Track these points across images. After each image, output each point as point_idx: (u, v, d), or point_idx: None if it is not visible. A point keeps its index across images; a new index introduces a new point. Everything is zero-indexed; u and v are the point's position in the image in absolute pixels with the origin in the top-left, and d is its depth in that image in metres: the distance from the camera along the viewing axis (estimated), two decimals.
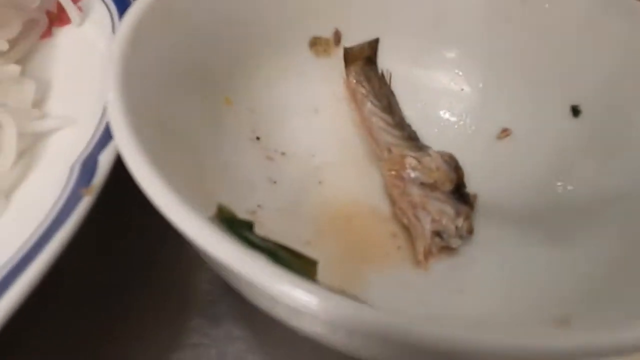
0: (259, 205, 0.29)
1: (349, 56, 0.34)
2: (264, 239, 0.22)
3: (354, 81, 0.34)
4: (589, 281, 0.23)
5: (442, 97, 0.34)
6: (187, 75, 0.28)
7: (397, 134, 0.32)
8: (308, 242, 0.28)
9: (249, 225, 0.22)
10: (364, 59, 0.34)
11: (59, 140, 0.27)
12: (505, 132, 0.32)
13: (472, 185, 0.30)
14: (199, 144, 0.27)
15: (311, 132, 0.33)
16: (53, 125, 0.27)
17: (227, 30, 0.30)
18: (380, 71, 0.34)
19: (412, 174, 0.30)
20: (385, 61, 0.35)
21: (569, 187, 0.28)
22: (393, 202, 0.30)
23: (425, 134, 0.33)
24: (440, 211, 0.28)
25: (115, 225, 0.30)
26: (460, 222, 0.28)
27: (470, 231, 0.28)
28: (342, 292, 0.21)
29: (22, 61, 0.31)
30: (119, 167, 0.23)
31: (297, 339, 0.27)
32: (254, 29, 0.32)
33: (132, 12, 0.25)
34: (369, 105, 0.33)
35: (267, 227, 0.26)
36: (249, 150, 0.31)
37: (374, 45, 0.35)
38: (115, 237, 0.31)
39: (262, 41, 0.32)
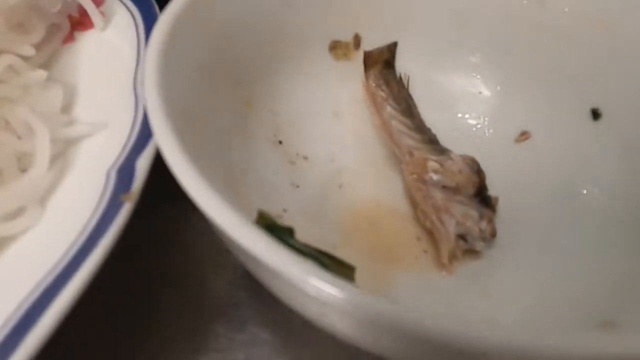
0: (284, 210, 0.29)
1: (369, 60, 0.34)
2: (305, 245, 0.22)
3: (374, 84, 0.34)
4: (630, 281, 0.23)
5: (460, 100, 0.35)
6: (215, 78, 0.28)
7: (418, 138, 0.32)
8: (334, 245, 0.29)
9: (290, 232, 0.22)
10: (382, 63, 0.34)
11: (89, 146, 0.27)
12: (524, 135, 0.33)
13: (492, 188, 0.31)
14: (230, 149, 0.27)
15: (331, 135, 0.33)
16: (85, 131, 0.27)
17: (251, 34, 0.31)
18: (398, 74, 0.35)
19: (435, 177, 0.30)
20: (403, 64, 0.35)
21: (595, 190, 0.28)
22: (415, 205, 0.31)
23: (443, 137, 0.33)
24: (464, 214, 0.29)
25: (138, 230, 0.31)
26: (484, 225, 0.29)
27: (494, 234, 0.29)
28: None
29: (45, 66, 0.31)
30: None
31: (323, 342, 0.27)
32: (276, 34, 0.32)
33: (164, 19, 0.25)
34: (388, 108, 0.33)
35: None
36: (272, 155, 0.31)
37: (392, 48, 0.35)
38: (137, 242, 0.31)
39: (283, 45, 0.33)
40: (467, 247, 0.29)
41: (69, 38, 0.32)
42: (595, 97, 0.31)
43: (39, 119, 0.26)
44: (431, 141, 0.32)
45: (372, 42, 0.34)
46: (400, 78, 0.35)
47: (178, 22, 0.25)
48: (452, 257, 0.28)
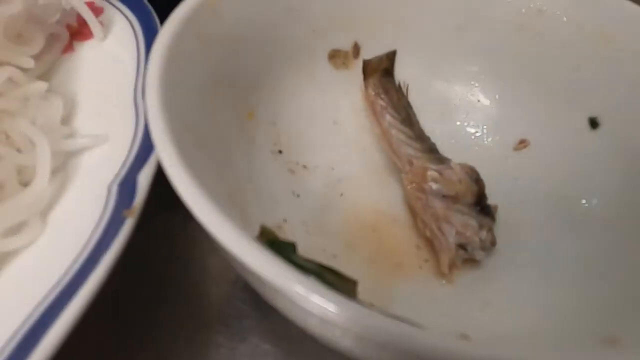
0: (284, 220, 0.29)
1: (368, 68, 0.34)
2: (307, 260, 0.22)
3: (373, 93, 0.34)
4: (627, 294, 0.23)
5: (459, 109, 0.35)
6: (217, 90, 0.28)
7: (417, 147, 0.32)
8: (335, 255, 0.29)
9: (292, 247, 0.22)
10: (382, 71, 0.34)
11: (89, 158, 0.27)
12: (522, 143, 0.33)
13: (491, 196, 0.31)
14: (231, 159, 0.27)
15: (331, 144, 0.34)
16: (85, 144, 0.27)
17: (252, 46, 0.31)
18: (397, 83, 0.35)
19: (434, 187, 0.30)
20: (402, 73, 0.35)
21: (594, 200, 0.29)
22: (414, 214, 0.31)
23: (443, 145, 0.33)
24: (464, 224, 0.29)
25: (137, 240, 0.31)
26: (483, 234, 0.29)
27: (494, 243, 0.29)
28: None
29: (45, 77, 0.31)
30: None
31: (324, 353, 0.27)
32: (276, 44, 0.32)
33: (166, 30, 0.25)
34: (388, 117, 0.33)
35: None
36: (272, 164, 0.31)
37: (391, 57, 0.35)
38: (138, 254, 0.31)
39: (284, 55, 0.33)
40: (467, 256, 0.29)
41: (68, 48, 0.32)
42: (594, 106, 0.31)
43: (39, 131, 0.26)
44: (430, 150, 0.32)
45: (371, 50, 0.35)
46: (400, 87, 0.35)
47: (180, 34, 0.25)
48: (452, 267, 0.29)
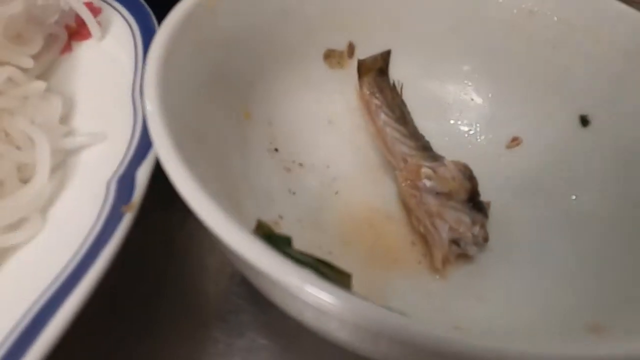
0: (280, 216, 0.30)
1: (362, 68, 0.35)
2: (303, 254, 0.23)
3: (368, 92, 0.34)
4: (617, 288, 0.24)
5: (453, 108, 0.35)
6: (214, 89, 0.28)
7: (412, 145, 0.33)
8: (330, 252, 0.29)
9: (287, 241, 0.23)
10: (376, 71, 0.35)
11: (88, 156, 0.27)
12: (515, 141, 0.33)
13: (484, 193, 0.31)
14: (228, 157, 0.28)
15: (326, 143, 0.34)
16: (84, 142, 0.27)
17: (248, 45, 0.31)
18: (392, 82, 0.35)
19: (428, 184, 0.30)
20: (396, 72, 0.35)
21: (585, 196, 0.29)
22: (408, 211, 0.31)
23: (436, 143, 0.33)
24: (457, 220, 0.29)
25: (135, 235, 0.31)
26: (476, 230, 0.29)
27: (486, 239, 0.29)
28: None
29: (43, 77, 0.31)
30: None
31: (321, 348, 0.28)
32: (272, 43, 0.32)
33: (164, 30, 0.25)
34: (382, 116, 0.34)
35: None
36: (268, 162, 0.31)
37: (386, 56, 0.35)
38: (136, 250, 0.31)
39: (279, 55, 0.33)
40: (460, 251, 0.29)
41: (67, 48, 0.33)
42: (584, 104, 0.31)
43: (38, 129, 0.26)
44: (424, 148, 0.33)
45: (366, 50, 0.35)
46: (394, 86, 0.35)
47: (177, 33, 0.26)
48: (446, 262, 0.29)
